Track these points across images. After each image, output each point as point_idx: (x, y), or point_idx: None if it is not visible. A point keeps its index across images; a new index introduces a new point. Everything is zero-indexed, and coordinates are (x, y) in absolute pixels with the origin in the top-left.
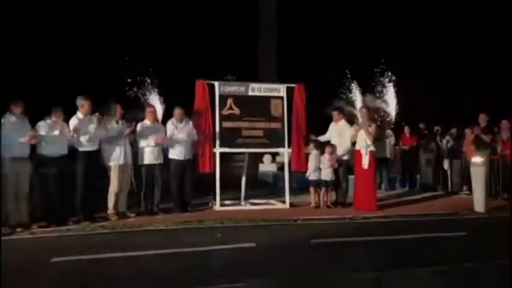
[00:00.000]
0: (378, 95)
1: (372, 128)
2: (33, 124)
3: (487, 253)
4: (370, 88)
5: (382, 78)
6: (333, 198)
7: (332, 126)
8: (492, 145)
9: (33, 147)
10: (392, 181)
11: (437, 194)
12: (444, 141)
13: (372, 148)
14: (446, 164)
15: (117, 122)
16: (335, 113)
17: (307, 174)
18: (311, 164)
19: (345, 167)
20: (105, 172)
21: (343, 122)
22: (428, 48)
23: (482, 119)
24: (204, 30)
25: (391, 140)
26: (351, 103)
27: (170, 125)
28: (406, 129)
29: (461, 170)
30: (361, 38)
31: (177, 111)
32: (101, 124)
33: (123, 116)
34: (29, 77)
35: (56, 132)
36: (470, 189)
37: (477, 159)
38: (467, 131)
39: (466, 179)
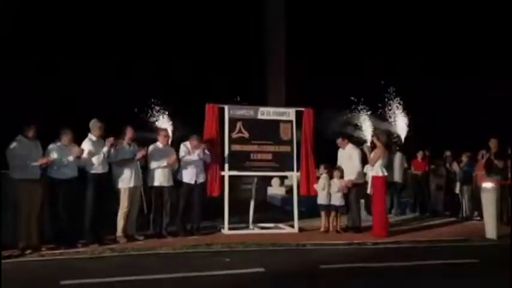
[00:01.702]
0: (387, 118)
1: (375, 152)
2: (43, 146)
3: (498, 281)
4: (379, 112)
5: (391, 102)
6: (343, 223)
7: (340, 152)
8: (504, 171)
9: (44, 169)
10: (403, 206)
11: (448, 219)
12: (454, 166)
13: (375, 173)
14: (457, 189)
15: (129, 145)
16: (339, 141)
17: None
18: (320, 187)
19: (356, 191)
20: (114, 194)
21: (349, 146)
22: (437, 71)
23: (494, 143)
24: (213, 53)
25: (403, 164)
26: (359, 127)
27: (183, 147)
28: (419, 154)
29: (472, 196)
30: (369, 59)
31: (194, 142)
32: (113, 147)
33: (134, 138)
34: (39, 100)
35: (71, 158)
36: (481, 215)
37: (488, 184)
38: (482, 152)
39: (477, 204)
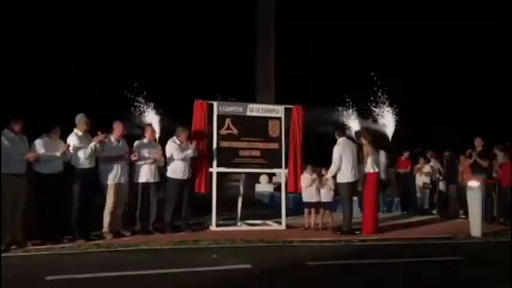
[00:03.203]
0: (373, 116)
1: (363, 150)
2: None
3: (482, 278)
4: (366, 110)
5: (378, 101)
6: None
7: None
8: (489, 170)
9: (29, 164)
10: (389, 204)
11: (433, 217)
12: (437, 165)
13: (366, 170)
14: (443, 188)
15: (118, 141)
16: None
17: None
18: (304, 185)
19: (345, 189)
20: (100, 190)
21: (338, 141)
22: (424, 70)
23: (478, 143)
24: (202, 50)
25: (386, 161)
26: (346, 126)
27: (174, 144)
28: (405, 154)
29: (458, 194)
30: (357, 58)
31: (184, 133)
32: (100, 142)
33: (124, 135)
34: (26, 95)
35: (57, 154)
36: (467, 213)
37: (473, 183)
38: (468, 151)
39: (463, 203)
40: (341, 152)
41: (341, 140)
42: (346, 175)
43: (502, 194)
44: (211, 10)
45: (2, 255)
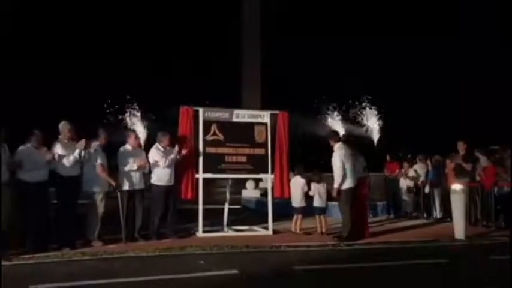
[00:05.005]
0: (357, 120)
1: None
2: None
3: (466, 280)
4: (350, 113)
5: (362, 104)
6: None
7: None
8: (472, 173)
9: (13, 173)
10: (375, 208)
11: (419, 221)
12: (421, 169)
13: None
14: (428, 191)
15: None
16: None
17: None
18: (292, 190)
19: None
20: (85, 198)
21: (335, 146)
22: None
23: (461, 147)
24: (189, 55)
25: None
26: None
27: (157, 151)
28: (388, 157)
29: (443, 198)
30: (344, 61)
31: (166, 138)
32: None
33: (107, 143)
34: (8, 102)
35: (41, 160)
36: (451, 216)
37: (457, 186)
38: (452, 155)
39: (448, 206)
40: (342, 158)
41: (338, 146)
42: (348, 181)
43: (485, 197)
44: (197, 11)
45: None
